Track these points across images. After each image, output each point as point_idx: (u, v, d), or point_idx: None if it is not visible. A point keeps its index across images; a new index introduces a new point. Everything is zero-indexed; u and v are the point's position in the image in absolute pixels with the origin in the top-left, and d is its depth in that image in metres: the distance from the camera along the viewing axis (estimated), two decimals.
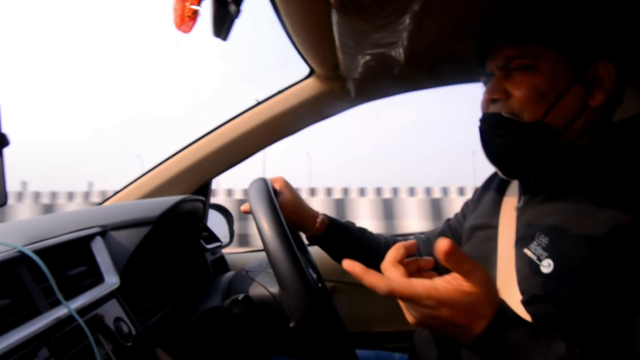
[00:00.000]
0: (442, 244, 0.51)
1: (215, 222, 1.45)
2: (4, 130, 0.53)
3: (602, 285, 0.60)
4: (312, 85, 1.20)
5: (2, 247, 0.57)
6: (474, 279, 0.53)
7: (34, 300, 0.54)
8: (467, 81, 1.21)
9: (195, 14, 0.55)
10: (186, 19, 0.55)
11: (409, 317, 0.59)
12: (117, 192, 1.31)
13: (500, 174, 0.80)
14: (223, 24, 0.60)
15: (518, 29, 0.74)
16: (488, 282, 0.54)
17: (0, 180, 0.51)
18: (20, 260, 0.56)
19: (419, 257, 0.71)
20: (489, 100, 0.76)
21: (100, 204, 1.30)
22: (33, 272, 0.57)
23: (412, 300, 0.54)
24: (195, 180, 1.30)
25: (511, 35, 0.74)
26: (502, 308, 0.56)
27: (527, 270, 0.68)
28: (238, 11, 0.54)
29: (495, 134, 0.76)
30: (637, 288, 0.58)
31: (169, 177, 1.28)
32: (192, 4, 0.55)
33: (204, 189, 1.36)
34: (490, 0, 0.81)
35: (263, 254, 0.75)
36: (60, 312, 0.56)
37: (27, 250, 0.55)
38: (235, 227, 1.54)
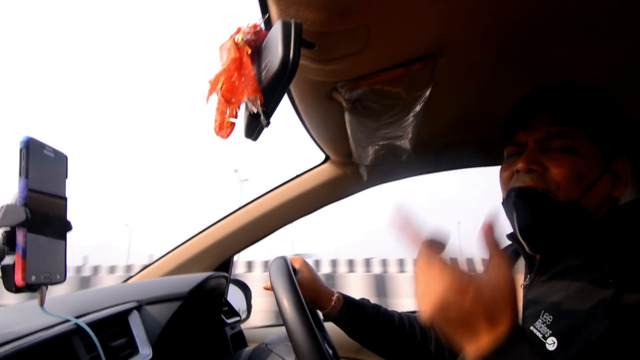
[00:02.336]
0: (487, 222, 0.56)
1: (235, 297, 1.49)
2: (68, 218, 0.63)
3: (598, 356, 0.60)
4: (327, 170, 1.31)
5: (58, 318, 0.65)
6: (504, 274, 0.54)
7: None
8: (470, 166, 1.31)
9: (232, 124, 0.67)
10: (225, 127, 0.67)
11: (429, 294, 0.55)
12: (144, 268, 1.39)
13: (526, 248, 0.79)
14: (254, 131, 0.70)
15: (564, 109, 0.76)
16: (514, 289, 0.54)
17: (63, 261, 0.61)
18: (75, 331, 0.64)
19: None
20: (525, 170, 0.76)
21: (128, 279, 1.37)
22: (84, 342, 0.64)
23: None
24: (218, 256, 1.38)
25: (556, 113, 0.76)
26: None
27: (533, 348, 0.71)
28: (268, 123, 0.65)
29: (530, 209, 0.76)
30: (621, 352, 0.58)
31: (194, 254, 1.36)
32: (230, 117, 0.66)
33: (226, 265, 1.43)
34: (483, 103, 0.93)
35: (282, 328, 0.81)
36: None
37: (84, 325, 0.63)
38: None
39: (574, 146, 0.73)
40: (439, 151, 1.23)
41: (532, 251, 0.80)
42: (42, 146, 0.59)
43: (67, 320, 0.66)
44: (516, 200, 0.77)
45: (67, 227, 0.63)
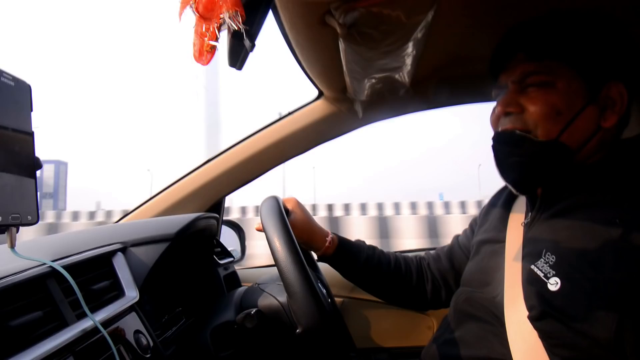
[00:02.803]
0: None
1: (228, 238, 1.48)
2: (37, 155, 0.58)
3: (609, 305, 0.59)
4: (321, 107, 1.24)
5: (34, 262, 0.61)
6: None
7: (62, 312, 0.59)
8: (472, 101, 1.24)
9: (213, 48, 0.60)
10: (205, 52, 0.60)
11: None
12: (133, 210, 1.36)
13: (514, 191, 0.80)
14: (239, 57, 0.63)
15: (537, 45, 0.74)
16: None
17: (33, 200, 0.56)
18: (50, 275, 0.61)
19: None
20: (502, 113, 0.76)
21: (118, 221, 1.34)
22: (62, 286, 0.61)
23: None
24: (209, 197, 1.34)
25: (529, 51, 0.74)
26: None
27: (533, 287, 0.68)
28: (253, 46, 0.58)
29: (509, 152, 0.76)
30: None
31: (184, 195, 1.33)
32: (210, 39, 0.59)
33: (217, 206, 1.40)
34: (490, 27, 0.85)
35: (275, 269, 0.79)
36: (86, 324, 0.60)
37: (58, 266, 0.60)
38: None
39: (550, 80, 0.71)
40: (439, 85, 1.16)
41: (520, 192, 0.80)
42: None
43: (44, 264, 0.62)
44: (495, 144, 0.78)
45: (36, 164, 0.57)
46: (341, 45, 0.84)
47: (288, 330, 0.83)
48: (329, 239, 1.05)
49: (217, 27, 0.56)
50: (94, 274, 0.71)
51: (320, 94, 1.22)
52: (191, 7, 0.53)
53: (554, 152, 0.72)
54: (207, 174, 1.33)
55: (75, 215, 19.53)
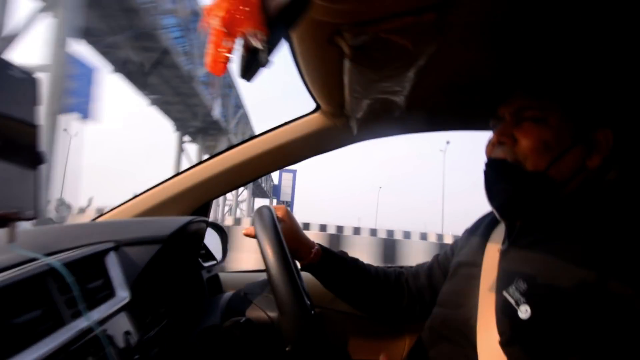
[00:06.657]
0: None
1: (211, 240, 1.48)
2: (41, 149, 0.57)
3: (575, 338, 0.62)
4: (317, 120, 1.26)
5: (26, 256, 0.60)
6: None
7: (60, 311, 0.58)
8: (464, 128, 1.28)
9: (227, 59, 0.61)
10: (219, 63, 0.61)
11: None
12: (114, 208, 1.34)
13: (497, 216, 0.83)
14: (250, 69, 0.64)
15: (536, 83, 0.79)
16: None
17: (35, 194, 0.55)
18: (48, 272, 0.60)
19: None
20: (496, 143, 0.81)
21: (96, 218, 1.30)
22: (58, 284, 0.61)
23: None
24: (197, 199, 1.34)
25: (528, 88, 0.79)
26: None
27: (505, 313, 0.71)
28: (267, 61, 0.59)
29: (499, 178, 0.80)
30: (605, 344, 0.60)
31: (171, 196, 1.32)
32: (227, 52, 0.60)
33: (204, 208, 1.40)
34: (489, 60, 0.89)
35: (258, 275, 0.79)
36: (82, 324, 0.60)
37: (59, 264, 0.59)
38: None
39: (543, 117, 0.76)
40: (432, 110, 1.20)
41: (503, 219, 0.83)
42: (6, 65, 0.52)
43: (35, 259, 0.61)
44: (486, 169, 0.82)
45: (39, 158, 0.57)
46: (346, 65, 0.86)
47: (275, 344, 0.84)
48: (314, 249, 1.07)
49: (235, 41, 0.58)
50: (86, 272, 0.71)
51: (318, 107, 1.23)
52: (215, 21, 0.54)
53: (540, 184, 0.76)
54: (196, 177, 1.33)
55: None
